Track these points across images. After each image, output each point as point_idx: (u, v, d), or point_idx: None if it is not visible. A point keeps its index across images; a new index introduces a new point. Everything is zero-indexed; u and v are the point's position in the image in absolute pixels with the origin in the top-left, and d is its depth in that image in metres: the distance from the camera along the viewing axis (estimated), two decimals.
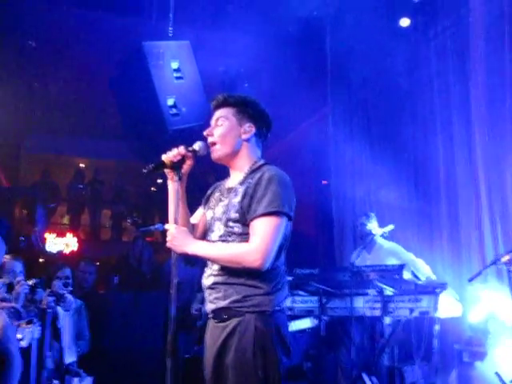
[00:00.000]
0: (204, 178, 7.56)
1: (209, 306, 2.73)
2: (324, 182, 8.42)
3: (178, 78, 7.00)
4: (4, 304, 2.41)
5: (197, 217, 2.92)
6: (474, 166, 6.09)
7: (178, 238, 2.61)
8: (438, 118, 6.63)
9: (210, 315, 2.73)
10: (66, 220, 13.69)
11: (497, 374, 3.52)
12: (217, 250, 2.65)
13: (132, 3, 7.38)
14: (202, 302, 4.50)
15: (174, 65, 7.01)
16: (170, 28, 7.06)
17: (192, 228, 2.84)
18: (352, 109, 7.71)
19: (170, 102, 6.81)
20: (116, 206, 13.37)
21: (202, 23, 7.40)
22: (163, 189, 2.78)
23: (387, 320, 4.98)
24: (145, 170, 2.65)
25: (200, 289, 2.93)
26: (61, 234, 11.09)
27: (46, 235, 10.80)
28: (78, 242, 11.17)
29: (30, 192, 11.55)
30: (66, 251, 10.65)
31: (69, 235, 11.30)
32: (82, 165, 14.45)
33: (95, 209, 13.33)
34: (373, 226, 5.93)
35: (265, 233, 2.54)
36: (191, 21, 7.37)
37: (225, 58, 7.41)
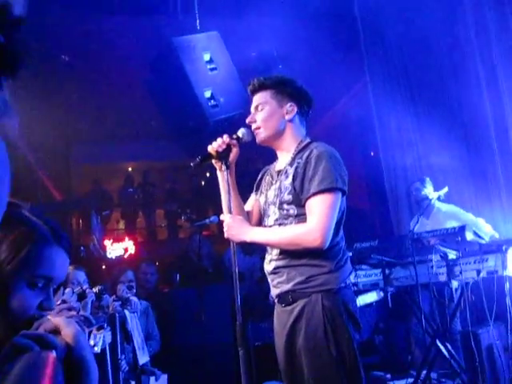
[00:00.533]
0: (252, 163, 7.55)
1: (273, 291, 2.72)
2: (372, 154, 8.31)
3: (211, 69, 7.00)
4: (72, 313, 2.45)
5: (250, 203, 2.91)
6: None
7: (235, 227, 2.60)
8: (483, 73, 6.43)
9: (276, 300, 2.72)
10: (121, 225, 13.91)
11: None
12: (275, 234, 2.63)
13: (156, 2, 7.41)
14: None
15: (206, 56, 7.01)
16: (198, 21, 7.06)
17: (247, 215, 2.83)
18: (391, 76, 7.54)
19: (208, 94, 6.82)
20: (169, 205, 13.53)
21: (228, 11, 7.36)
22: (212, 182, 2.78)
23: (455, 284, 4.87)
24: (192, 164, 2.66)
25: (262, 278, 2.93)
26: (118, 240, 11.27)
27: (105, 242, 11.00)
28: (135, 244, 11.33)
29: (83, 202, 11.78)
30: (125, 255, 10.82)
31: (126, 239, 11.49)
32: (130, 169, 14.66)
33: (149, 210, 13.51)
34: (428, 190, 5.83)
35: (321, 211, 2.51)
36: (217, 11, 7.34)
37: (256, 43, 7.35)
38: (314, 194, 2.52)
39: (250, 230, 2.64)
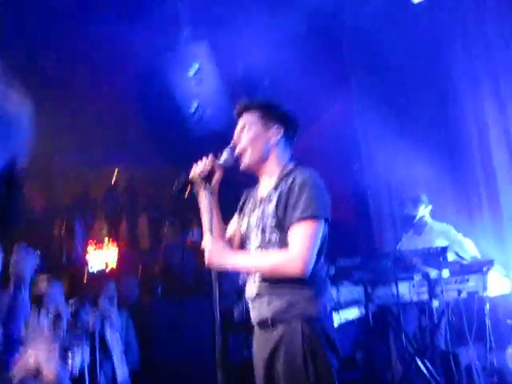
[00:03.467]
0: (235, 184, 7.50)
1: (253, 315, 2.70)
2: (356, 167, 8.31)
3: (198, 81, 6.98)
4: (50, 345, 2.43)
5: (232, 227, 2.89)
6: (508, 135, 6.00)
7: (216, 254, 2.59)
8: (467, 90, 6.51)
9: (255, 324, 2.70)
10: (104, 233, 13.81)
11: None
12: (256, 260, 2.62)
13: (144, 12, 7.38)
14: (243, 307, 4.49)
15: (194, 69, 7.00)
16: (186, 32, 7.04)
17: (228, 240, 2.81)
18: (376, 93, 7.59)
19: (193, 106, 6.80)
20: (152, 214, 13.44)
21: (217, 25, 7.35)
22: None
23: (436, 303, 4.90)
24: (173, 189, 2.64)
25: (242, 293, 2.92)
26: (101, 248, 11.20)
27: (88, 249, 10.92)
28: (117, 253, 11.27)
29: (66, 210, 11.69)
30: (108, 264, 10.75)
31: (109, 247, 11.42)
32: (114, 177, 14.56)
33: (132, 219, 13.42)
34: (422, 207, 5.83)
35: (303, 239, 2.50)
36: (206, 23, 7.33)
37: (244, 57, 7.35)
38: (297, 221, 2.52)
39: (230, 256, 2.62)
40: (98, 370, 3.39)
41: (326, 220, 2.59)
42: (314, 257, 2.52)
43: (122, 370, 4.05)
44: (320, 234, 2.55)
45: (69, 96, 8.62)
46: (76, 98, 8.57)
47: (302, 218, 2.50)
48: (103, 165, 12.97)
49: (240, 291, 5.16)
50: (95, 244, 11.50)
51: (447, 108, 6.90)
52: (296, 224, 2.52)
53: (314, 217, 2.52)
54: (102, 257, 10.85)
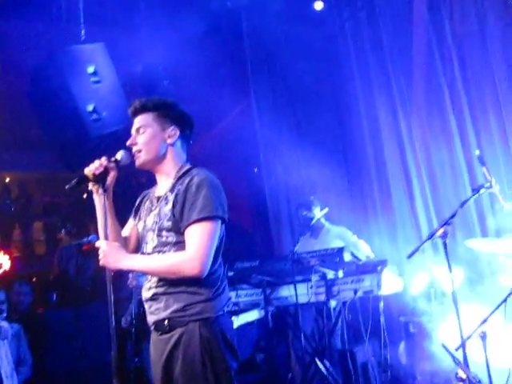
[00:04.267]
0: (131, 186, 7.37)
1: (150, 318, 2.65)
2: (255, 170, 8.38)
3: (95, 82, 6.78)
4: None
5: (128, 229, 2.83)
6: (400, 143, 6.27)
7: (111, 255, 2.51)
8: (361, 100, 6.73)
9: (152, 327, 2.65)
10: None
11: (443, 345, 3.58)
12: (152, 262, 2.58)
13: (39, 8, 7.10)
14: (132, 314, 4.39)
15: (90, 69, 6.78)
16: (83, 31, 6.84)
17: (124, 241, 2.75)
18: (276, 97, 7.68)
19: (90, 107, 6.59)
20: (48, 219, 12.98)
21: (114, 23, 7.19)
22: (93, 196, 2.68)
23: (333, 303, 5.01)
24: (68, 187, 2.55)
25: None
26: None
27: None
28: (10, 259, 10.76)
29: None
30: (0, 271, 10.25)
31: (1, 254, 10.89)
32: (7, 179, 13.93)
33: (26, 224, 12.89)
34: (316, 211, 5.92)
35: (200, 239, 2.48)
36: (103, 22, 7.16)
37: (142, 57, 7.23)
38: (194, 222, 2.50)
39: (126, 257, 2.56)
40: None
41: (223, 220, 2.58)
42: (212, 257, 2.51)
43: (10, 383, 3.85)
44: (217, 234, 2.55)
45: None
46: None
47: (199, 219, 2.48)
48: None
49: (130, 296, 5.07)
50: None
51: (344, 113, 7.11)
52: (193, 224, 2.50)
53: (210, 217, 2.50)
54: None
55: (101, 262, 2.52)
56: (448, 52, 5.84)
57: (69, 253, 7.51)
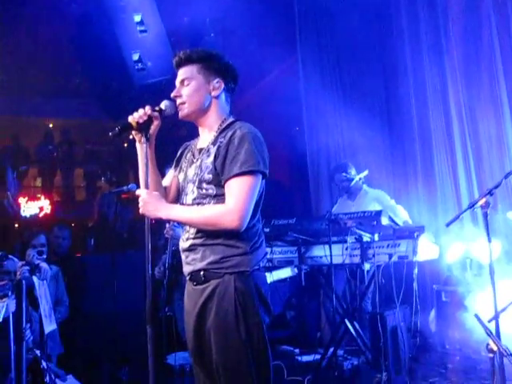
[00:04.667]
0: (175, 133, 7.41)
1: (186, 268, 2.67)
2: (297, 129, 8.34)
3: (141, 31, 6.77)
4: None
5: (168, 179, 2.84)
6: (446, 110, 6.14)
7: (150, 203, 2.53)
8: (410, 63, 6.59)
9: (188, 277, 2.68)
10: (38, 183, 13.46)
11: (476, 315, 3.55)
12: (191, 213, 2.58)
13: None
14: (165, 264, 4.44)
15: (137, 18, 6.77)
16: None
17: (164, 191, 2.76)
18: (322, 57, 7.58)
19: (135, 56, 6.60)
20: (89, 166, 13.18)
21: None
22: (135, 145, 2.69)
23: (367, 266, 5.00)
24: (111, 134, 2.56)
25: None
26: (34, 198, 10.91)
27: (20, 199, 10.63)
28: (51, 204, 11.01)
29: None
30: (40, 214, 10.50)
31: (42, 198, 11.14)
32: (50, 125, 14.14)
33: (67, 170, 13.11)
34: (353, 174, 5.89)
35: (240, 193, 2.48)
36: None
37: (189, 9, 7.17)
38: (235, 175, 2.49)
39: (166, 206, 2.57)
40: (24, 321, 3.31)
41: (264, 175, 2.58)
42: (251, 211, 2.51)
43: (50, 323, 3.96)
44: (257, 189, 2.54)
45: (6, 37, 8.22)
46: (7, 34, 8.15)
47: (241, 173, 2.48)
48: (37, 112, 12.54)
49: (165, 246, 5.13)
50: (28, 195, 11.18)
51: (390, 77, 6.97)
52: (234, 178, 2.49)
53: (252, 171, 2.49)
54: (34, 207, 10.57)
55: (140, 211, 2.54)
56: (505, 15, 5.62)
57: (109, 200, 7.61)
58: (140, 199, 2.54)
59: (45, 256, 4.20)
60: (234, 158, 2.51)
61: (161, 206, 2.55)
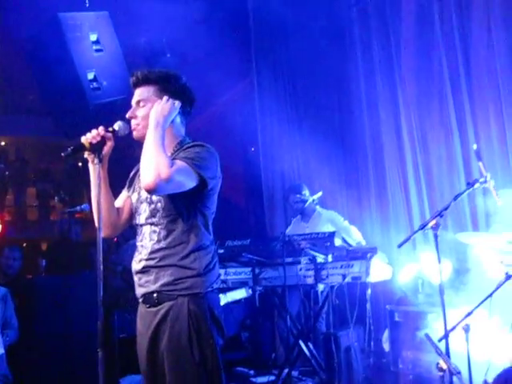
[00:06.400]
0: (126, 158, 7.34)
1: (139, 290, 2.66)
2: (252, 150, 8.39)
3: (97, 50, 6.73)
4: None
5: (121, 200, 2.83)
6: (398, 133, 6.27)
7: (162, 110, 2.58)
8: (363, 87, 6.71)
9: (141, 299, 2.66)
10: None
11: (426, 335, 3.62)
12: (159, 146, 2.50)
13: None
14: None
15: (93, 37, 6.73)
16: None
17: (116, 211, 2.75)
18: (277, 78, 7.67)
19: (90, 75, 6.55)
20: (41, 185, 12.98)
21: None
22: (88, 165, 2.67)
23: (321, 287, 5.04)
24: (63, 154, 2.53)
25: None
26: None
27: None
28: (2, 223, 10.77)
29: None
30: None
31: None
32: (2, 143, 13.89)
33: (19, 188, 12.88)
34: (307, 195, 5.94)
35: (180, 168, 2.46)
36: None
37: (146, 29, 7.17)
38: (181, 159, 2.51)
39: (161, 125, 2.56)
40: None
41: (205, 185, 2.55)
42: (176, 188, 2.48)
43: None
44: (188, 186, 2.50)
45: None
46: None
47: (187, 161, 2.50)
48: None
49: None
50: None
51: (344, 98, 7.08)
52: (180, 159, 2.51)
53: (196, 170, 2.49)
54: None
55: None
56: (453, 44, 5.81)
57: (61, 220, 7.51)
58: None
59: None
60: (184, 153, 2.56)
61: (161, 116, 2.57)
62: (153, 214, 2.61)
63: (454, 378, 3.32)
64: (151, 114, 2.58)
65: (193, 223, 2.58)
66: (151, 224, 2.61)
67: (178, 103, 2.67)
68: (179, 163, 2.48)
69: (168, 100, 2.61)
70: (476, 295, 3.88)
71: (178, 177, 2.45)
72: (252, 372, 6.02)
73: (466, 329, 3.50)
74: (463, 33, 5.77)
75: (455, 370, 3.24)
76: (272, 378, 5.36)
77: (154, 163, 2.42)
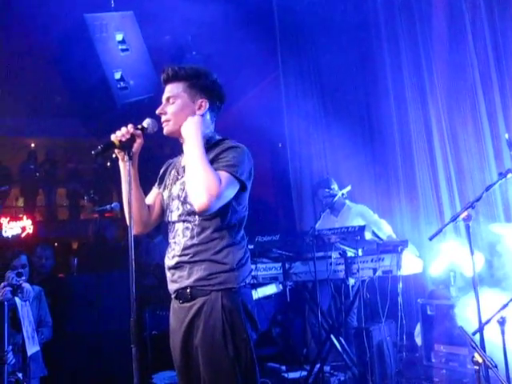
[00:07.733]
0: (157, 155, 7.41)
1: (172, 286, 2.66)
2: (280, 145, 8.37)
3: (123, 50, 6.81)
4: None
5: (152, 197, 2.83)
6: (427, 124, 6.19)
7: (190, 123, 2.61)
8: (390, 80, 6.64)
9: (173, 295, 2.66)
10: (20, 203, 13.37)
11: (460, 328, 3.57)
12: (203, 160, 2.50)
13: None
14: None
15: (119, 36, 6.82)
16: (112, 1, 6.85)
17: (147, 209, 2.75)
18: (303, 70, 7.65)
19: (117, 75, 6.64)
20: (71, 185, 13.13)
21: None
22: (118, 163, 2.68)
23: (351, 281, 5.00)
24: (93, 152, 2.54)
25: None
26: (16, 218, 10.82)
27: (1, 220, 10.53)
28: (33, 224, 10.91)
29: None
30: (23, 234, 10.40)
31: (24, 218, 11.05)
32: (32, 145, 14.08)
33: (50, 189, 13.05)
34: (335, 189, 5.91)
35: (228, 180, 2.48)
36: None
37: (171, 27, 7.20)
38: (221, 169, 2.50)
39: (198, 136, 2.58)
40: (6, 343, 3.26)
41: (244, 187, 2.57)
42: (223, 202, 2.49)
43: (32, 345, 3.91)
44: (232, 193, 2.52)
45: None
46: None
47: (226, 169, 2.50)
48: (19, 132, 12.49)
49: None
50: (10, 215, 11.09)
51: (371, 91, 7.03)
52: (220, 170, 2.50)
53: (235, 176, 2.51)
54: (16, 227, 10.47)
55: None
56: (482, 35, 5.72)
57: (92, 219, 7.59)
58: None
59: (24, 277, 4.14)
60: (221, 159, 2.54)
61: (197, 132, 2.58)
62: (188, 213, 2.61)
63: (490, 372, 3.26)
64: (185, 132, 2.59)
65: (226, 220, 2.58)
66: (184, 221, 2.62)
67: (205, 102, 2.68)
68: (224, 176, 2.48)
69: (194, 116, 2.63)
70: (510, 287, 3.82)
71: (227, 191, 2.48)
72: (284, 367, 6.01)
73: (502, 322, 3.44)
74: (493, 24, 5.67)
75: (492, 364, 3.19)
76: (304, 373, 5.34)
77: (205, 184, 2.43)
